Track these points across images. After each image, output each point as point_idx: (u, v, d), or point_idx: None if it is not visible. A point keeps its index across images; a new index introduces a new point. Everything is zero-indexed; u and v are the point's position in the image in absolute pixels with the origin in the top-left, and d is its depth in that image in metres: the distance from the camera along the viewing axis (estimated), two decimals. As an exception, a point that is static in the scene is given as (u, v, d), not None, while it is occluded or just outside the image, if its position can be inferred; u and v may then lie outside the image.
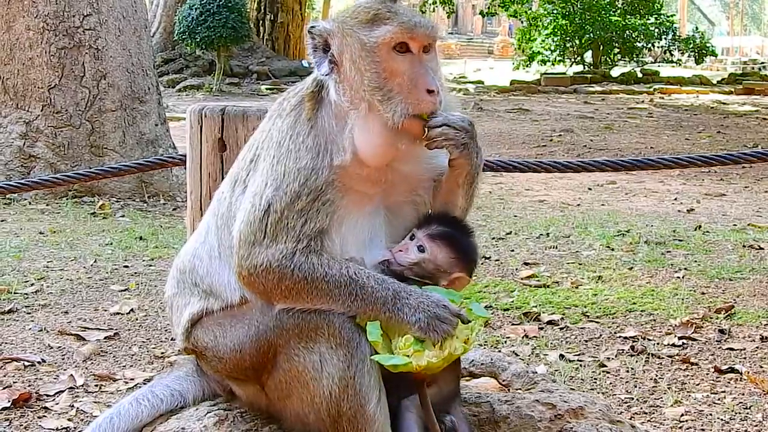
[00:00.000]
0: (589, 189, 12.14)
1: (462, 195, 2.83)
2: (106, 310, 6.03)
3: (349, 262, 2.65)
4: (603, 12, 36.84)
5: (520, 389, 3.17)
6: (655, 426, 4.25)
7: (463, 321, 2.59)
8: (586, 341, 5.48)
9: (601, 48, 37.93)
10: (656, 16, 39.08)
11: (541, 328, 5.70)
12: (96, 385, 4.71)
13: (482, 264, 7.25)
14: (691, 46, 40.56)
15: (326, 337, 2.62)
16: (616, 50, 38.28)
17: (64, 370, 4.91)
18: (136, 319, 5.86)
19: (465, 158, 2.72)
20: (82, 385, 4.68)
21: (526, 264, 7.34)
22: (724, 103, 27.20)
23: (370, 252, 2.72)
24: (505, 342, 5.43)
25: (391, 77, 2.64)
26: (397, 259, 2.73)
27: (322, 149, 2.67)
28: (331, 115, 2.71)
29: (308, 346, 2.64)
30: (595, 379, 4.86)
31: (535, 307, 6.08)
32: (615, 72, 37.45)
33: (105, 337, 5.47)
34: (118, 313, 5.96)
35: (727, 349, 5.34)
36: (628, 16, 37.75)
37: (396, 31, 2.64)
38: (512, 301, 6.21)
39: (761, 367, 5.04)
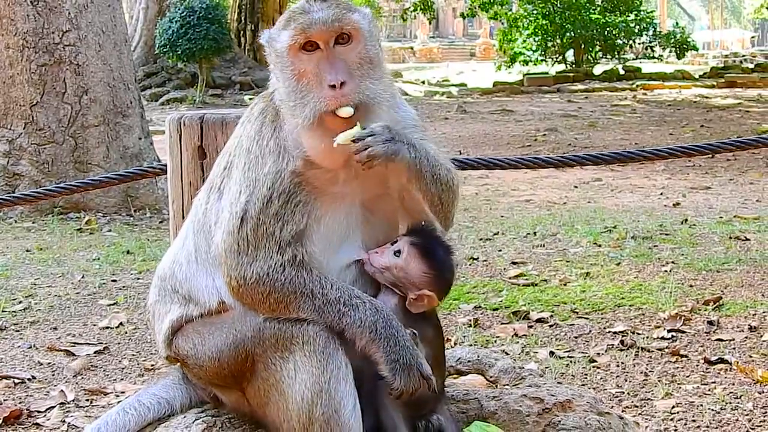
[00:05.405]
0: (575, 187, 12.16)
1: (422, 196, 2.69)
2: (95, 325, 6.01)
3: (341, 282, 2.62)
4: (583, 10, 37.00)
5: (507, 385, 3.18)
6: (646, 419, 4.26)
7: (429, 386, 2.57)
8: (576, 337, 5.50)
9: (583, 46, 38.08)
10: (636, 12, 39.30)
11: (531, 327, 5.71)
12: (87, 400, 4.69)
13: (470, 265, 7.27)
14: (672, 41, 40.87)
15: (301, 346, 2.60)
16: (598, 48, 38.43)
17: (55, 385, 4.89)
18: (126, 333, 5.85)
19: (397, 159, 2.58)
20: (73, 400, 4.66)
21: (514, 263, 7.35)
22: (706, 97, 27.31)
23: (345, 251, 2.69)
24: (495, 341, 5.44)
25: (301, 78, 2.61)
26: (371, 260, 2.70)
27: (282, 152, 2.66)
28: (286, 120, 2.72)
29: (284, 356, 2.63)
30: (585, 374, 4.87)
31: (524, 305, 6.09)
32: (597, 70, 37.61)
33: (95, 352, 5.46)
34: (107, 327, 5.95)
35: (716, 340, 5.36)
36: (608, 14, 37.92)
37: (294, 32, 2.62)
38: (501, 301, 6.22)
39: (750, 356, 5.06)
